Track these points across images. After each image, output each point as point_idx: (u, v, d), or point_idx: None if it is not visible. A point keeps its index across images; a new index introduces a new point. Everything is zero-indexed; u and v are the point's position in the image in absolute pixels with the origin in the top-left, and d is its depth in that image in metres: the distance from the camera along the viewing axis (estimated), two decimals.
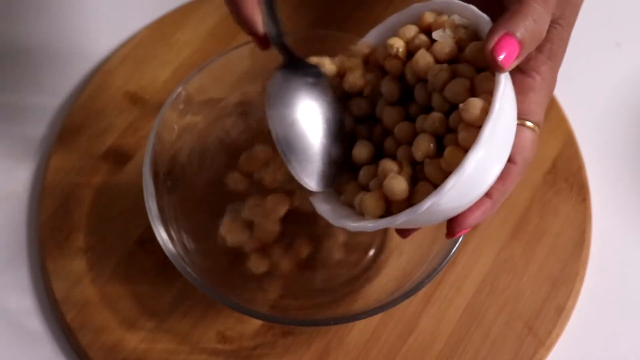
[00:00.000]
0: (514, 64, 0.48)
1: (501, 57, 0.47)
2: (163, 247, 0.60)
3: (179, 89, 0.64)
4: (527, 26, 0.48)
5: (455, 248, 0.59)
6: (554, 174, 0.68)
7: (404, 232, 0.55)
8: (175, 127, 0.65)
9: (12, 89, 0.74)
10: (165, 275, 0.64)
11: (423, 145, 0.50)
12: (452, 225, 0.51)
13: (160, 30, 0.76)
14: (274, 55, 0.67)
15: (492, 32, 0.47)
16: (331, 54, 0.65)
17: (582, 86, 0.73)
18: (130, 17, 0.76)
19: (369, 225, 0.50)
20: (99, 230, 0.66)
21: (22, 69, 0.75)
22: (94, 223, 0.67)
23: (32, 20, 0.77)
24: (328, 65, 0.57)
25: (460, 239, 0.59)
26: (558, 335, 0.63)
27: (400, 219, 0.49)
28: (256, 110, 0.68)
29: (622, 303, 0.65)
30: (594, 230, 0.67)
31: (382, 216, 0.51)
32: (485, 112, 0.47)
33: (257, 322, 0.63)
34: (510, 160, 0.50)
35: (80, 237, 0.66)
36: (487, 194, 0.50)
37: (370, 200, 0.51)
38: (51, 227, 0.66)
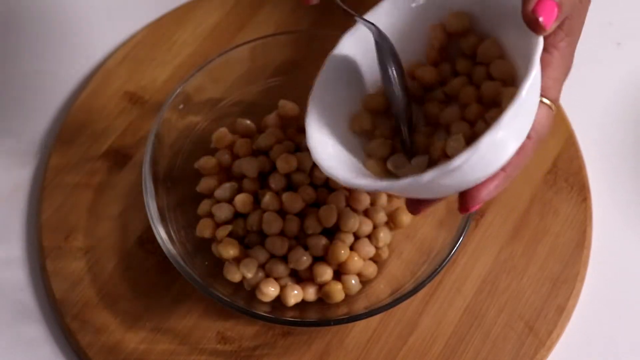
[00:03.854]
0: (553, 25, 0.48)
1: (542, 18, 0.47)
2: (163, 247, 0.60)
3: (179, 89, 0.64)
4: None
5: (455, 248, 0.59)
6: (554, 174, 0.68)
7: (414, 208, 0.54)
8: (175, 127, 0.65)
9: (12, 89, 0.74)
10: (165, 275, 0.64)
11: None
12: (465, 199, 0.50)
13: (160, 30, 0.75)
14: (274, 55, 0.68)
15: None
16: None
17: (582, 86, 0.73)
18: (130, 17, 0.76)
19: (376, 184, 0.50)
20: (99, 230, 0.66)
21: (22, 69, 0.75)
22: (94, 223, 0.66)
23: (32, 21, 0.77)
24: None
25: (461, 239, 0.59)
26: (559, 336, 0.63)
27: (403, 183, 0.48)
28: (256, 109, 0.68)
29: (622, 303, 0.65)
30: (595, 230, 0.67)
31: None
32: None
33: (257, 323, 0.63)
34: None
35: (80, 237, 0.66)
36: (502, 168, 0.50)
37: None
38: (51, 227, 0.66)
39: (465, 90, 0.54)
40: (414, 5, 0.55)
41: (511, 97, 0.47)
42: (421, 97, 0.56)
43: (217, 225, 0.63)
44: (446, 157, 0.51)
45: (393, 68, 0.54)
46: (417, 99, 0.56)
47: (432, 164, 0.53)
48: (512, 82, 0.52)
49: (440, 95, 0.55)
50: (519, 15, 0.48)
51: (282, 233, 0.62)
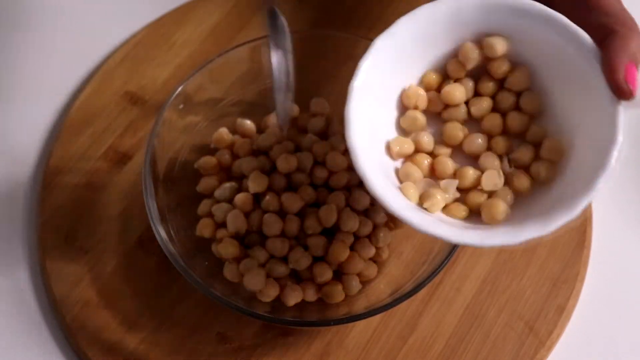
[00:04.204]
0: (638, 91, 0.49)
1: (633, 87, 0.48)
2: (163, 247, 0.60)
3: (179, 89, 0.64)
4: (637, 48, 0.49)
5: (455, 248, 0.59)
6: None
7: None
8: (175, 127, 0.65)
9: (12, 88, 0.74)
10: (165, 275, 0.64)
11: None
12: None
13: (160, 30, 0.75)
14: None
15: (616, 61, 0.48)
16: (331, 54, 0.65)
17: None
18: (130, 17, 0.76)
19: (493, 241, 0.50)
20: (99, 230, 0.66)
21: (23, 69, 0.75)
22: (93, 223, 0.66)
23: (32, 21, 0.77)
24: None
25: None
26: (559, 335, 0.63)
27: (497, 241, 0.49)
28: (256, 109, 0.68)
29: (622, 303, 0.65)
30: (595, 230, 0.67)
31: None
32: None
33: (257, 323, 0.63)
34: None
35: (80, 237, 0.66)
36: None
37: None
38: (51, 227, 0.66)
39: (490, 118, 0.54)
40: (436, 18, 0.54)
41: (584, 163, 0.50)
42: (439, 113, 0.56)
43: (217, 225, 0.63)
44: (480, 190, 0.53)
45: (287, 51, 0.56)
46: (436, 115, 0.56)
47: (461, 191, 0.53)
48: (538, 115, 0.53)
49: (463, 114, 0.55)
50: (581, 66, 0.49)
51: (282, 234, 0.62)
